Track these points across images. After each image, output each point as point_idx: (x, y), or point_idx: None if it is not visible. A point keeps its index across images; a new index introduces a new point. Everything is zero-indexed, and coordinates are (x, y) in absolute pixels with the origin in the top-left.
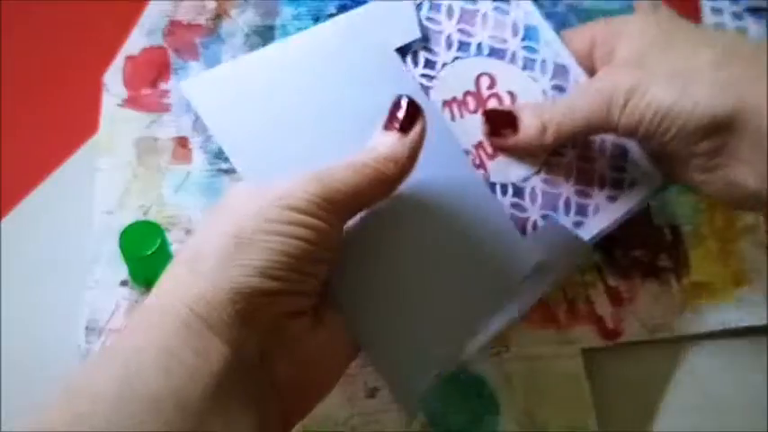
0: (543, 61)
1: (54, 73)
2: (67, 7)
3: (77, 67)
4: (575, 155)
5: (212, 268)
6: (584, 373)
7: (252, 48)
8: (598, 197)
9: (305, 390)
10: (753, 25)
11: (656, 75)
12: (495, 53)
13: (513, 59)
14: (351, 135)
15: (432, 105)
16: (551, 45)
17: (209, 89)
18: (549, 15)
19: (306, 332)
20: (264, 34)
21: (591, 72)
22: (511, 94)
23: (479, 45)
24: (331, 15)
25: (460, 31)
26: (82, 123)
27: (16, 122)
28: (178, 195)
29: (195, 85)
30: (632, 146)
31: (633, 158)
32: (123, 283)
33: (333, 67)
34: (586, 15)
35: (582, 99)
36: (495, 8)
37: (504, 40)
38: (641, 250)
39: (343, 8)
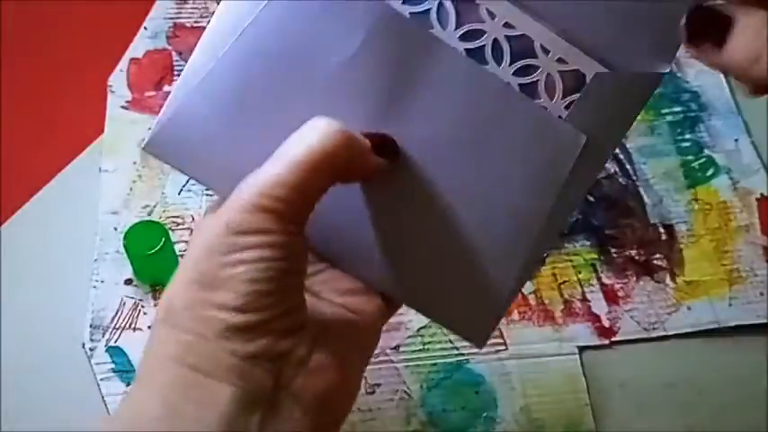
0: (440, 6)
1: (59, 76)
2: (73, 11)
3: (82, 69)
4: None
5: (189, 319)
6: (580, 370)
7: None
8: None
9: (331, 399)
10: None
11: None
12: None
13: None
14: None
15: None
16: None
17: (173, 136)
18: None
19: (312, 344)
20: None
21: None
22: None
23: None
24: None
25: None
26: (87, 125)
27: (23, 124)
28: (181, 196)
29: (158, 141)
30: None
31: None
32: (128, 282)
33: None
34: None
35: None
36: None
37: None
38: (636, 249)
39: None
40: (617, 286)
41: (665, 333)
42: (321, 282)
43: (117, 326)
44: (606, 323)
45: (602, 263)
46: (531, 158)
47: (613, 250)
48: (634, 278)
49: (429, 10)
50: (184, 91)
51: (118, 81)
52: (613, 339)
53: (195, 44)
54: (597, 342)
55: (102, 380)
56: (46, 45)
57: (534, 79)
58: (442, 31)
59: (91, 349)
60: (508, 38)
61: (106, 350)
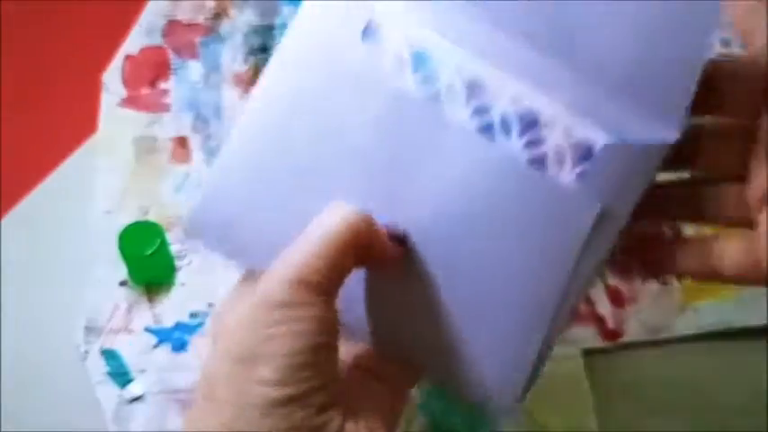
0: (450, 87)
1: (53, 72)
2: (67, 6)
3: (76, 66)
4: None
5: (228, 392)
6: (584, 373)
7: (251, 47)
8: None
9: None
10: None
11: None
12: None
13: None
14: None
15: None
16: (447, 62)
17: (212, 215)
18: None
19: (343, 418)
20: (264, 34)
21: None
22: None
23: None
24: None
25: None
26: (81, 123)
27: (15, 122)
28: (178, 195)
29: (199, 220)
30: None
31: None
32: (122, 284)
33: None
34: None
35: None
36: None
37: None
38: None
39: None
40: (622, 287)
41: (670, 335)
42: (346, 351)
43: (111, 328)
44: (611, 325)
45: (606, 264)
46: (543, 231)
47: (618, 251)
48: (640, 280)
49: (439, 90)
50: (216, 172)
51: (112, 78)
52: (618, 342)
53: (191, 41)
54: (602, 344)
55: (97, 383)
56: (38, 41)
57: (543, 151)
58: (453, 110)
59: (86, 352)
60: (516, 112)
61: (101, 353)
